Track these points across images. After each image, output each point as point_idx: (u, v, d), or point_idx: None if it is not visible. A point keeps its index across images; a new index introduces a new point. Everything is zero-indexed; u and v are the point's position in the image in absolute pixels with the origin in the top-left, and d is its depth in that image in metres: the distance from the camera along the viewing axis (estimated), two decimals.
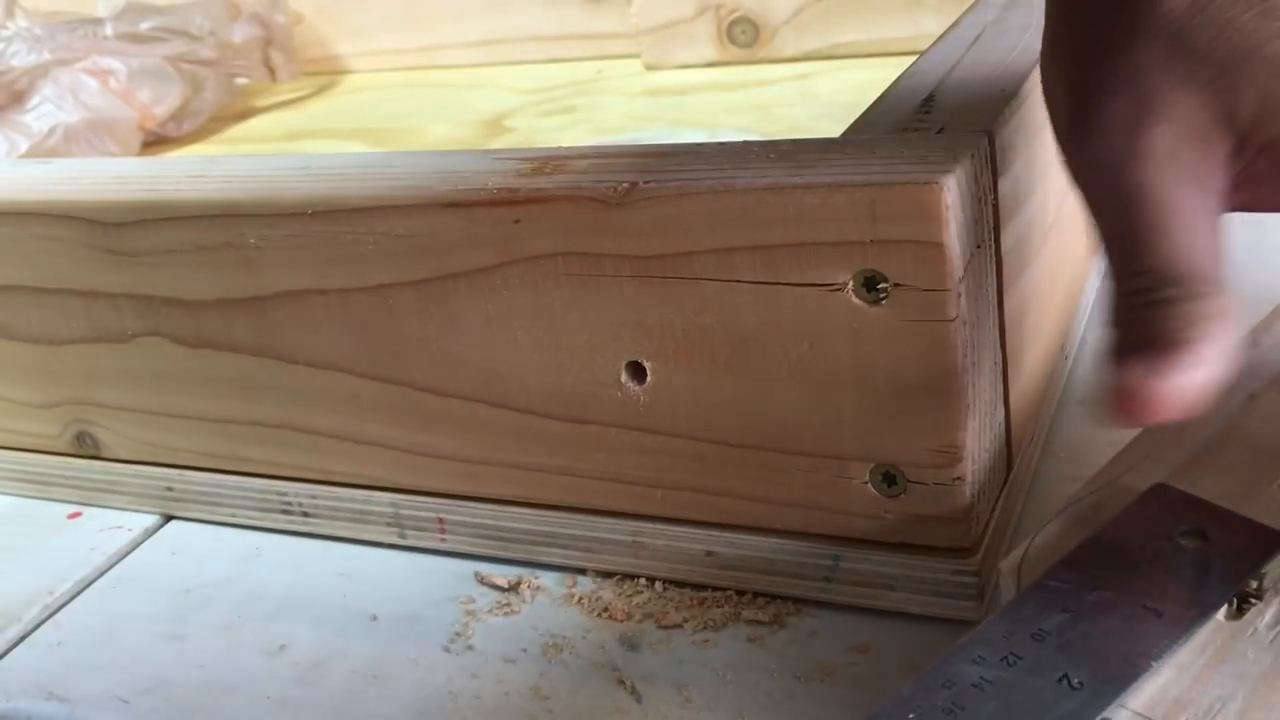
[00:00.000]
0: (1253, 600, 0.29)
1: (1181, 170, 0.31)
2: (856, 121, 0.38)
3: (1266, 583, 0.30)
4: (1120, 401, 0.29)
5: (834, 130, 0.39)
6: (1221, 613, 0.29)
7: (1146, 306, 0.30)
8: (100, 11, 1.02)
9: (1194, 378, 0.29)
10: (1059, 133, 0.34)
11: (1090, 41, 0.33)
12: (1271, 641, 0.28)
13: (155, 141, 0.96)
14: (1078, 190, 0.34)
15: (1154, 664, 0.27)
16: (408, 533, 0.43)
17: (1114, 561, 0.30)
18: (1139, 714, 0.27)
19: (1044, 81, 0.35)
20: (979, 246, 0.33)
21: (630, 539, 0.39)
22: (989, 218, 0.34)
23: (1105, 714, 0.26)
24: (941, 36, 0.49)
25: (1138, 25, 0.32)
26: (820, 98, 0.83)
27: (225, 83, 1.00)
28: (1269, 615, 0.29)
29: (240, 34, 0.99)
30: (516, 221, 0.36)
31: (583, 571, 0.41)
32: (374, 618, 0.40)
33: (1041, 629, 0.28)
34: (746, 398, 0.35)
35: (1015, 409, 0.38)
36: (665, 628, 0.38)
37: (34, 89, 0.88)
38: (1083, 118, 0.32)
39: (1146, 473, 0.34)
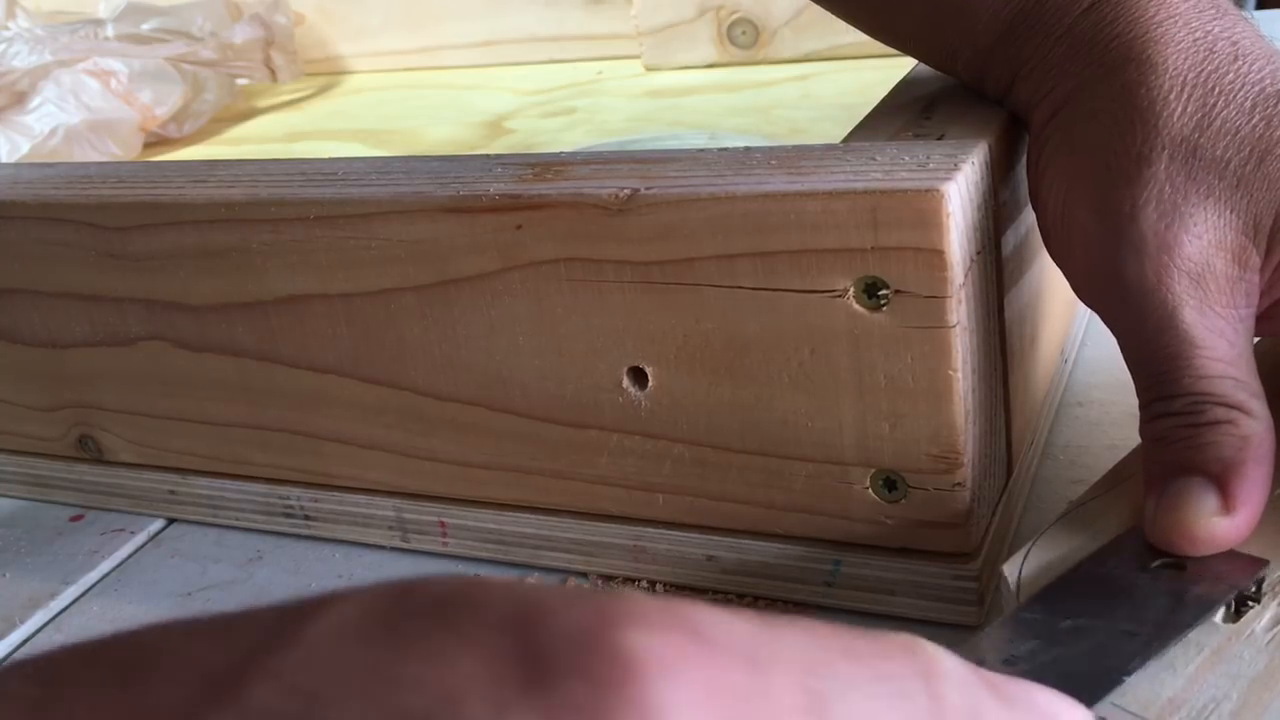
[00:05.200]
0: (1250, 603, 0.29)
1: (1216, 284, 0.32)
2: (857, 127, 0.38)
3: (1264, 586, 0.30)
4: (1184, 538, 0.30)
5: (835, 132, 0.39)
6: (1219, 615, 0.29)
7: (1194, 429, 0.31)
8: (101, 12, 1.02)
9: (1251, 514, 0.30)
10: (1077, 257, 0.34)
11: (1105, 166, 0.33)
12: (1268, 644, 0.28)
13: (156, 142, 0.96)
14: (1104, 313, 0.34)
15: (1126, 678, 0.27)
16: (410, 536, 0.43)
17: (1088, 593, 0.30)
18: (1132, 714, 0.27)
19: (1048, 207, 0.35)
20: (979, 253, 0.33)
21: (631, 543, 0.39)
22: (989, 224, 0.34)
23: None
24: None
25: (1151, 144, 0.32)
26: (820, 99, 0.83)
27: (226, 84, 1.00)
28: (1266, 618, 0.29)
29: (241, 35, 0.99)
30: (518, 227, 0.36)
31: (584, 575, 0.41)
32: None
33: (1013, 654, 0.27)
34: (747, 403, 0.35)
35: (1015, 413, 0.38)
36: None
37: (35, 90, 0.88)
38: (1112, 241, 0.32)
39: None
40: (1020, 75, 0.36)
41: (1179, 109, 0.32)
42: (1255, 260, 0.32)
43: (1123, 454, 0.36)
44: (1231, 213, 0.32)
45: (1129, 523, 0.32)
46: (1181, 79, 0.33)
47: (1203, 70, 0.33)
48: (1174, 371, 0.31)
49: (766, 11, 0.92)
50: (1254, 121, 0.32)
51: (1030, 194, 0.37)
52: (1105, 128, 0.33)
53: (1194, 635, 0.29)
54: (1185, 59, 0.33)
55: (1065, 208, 0.34)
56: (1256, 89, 0.32)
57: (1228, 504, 0.30)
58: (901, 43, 0.41)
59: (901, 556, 0.36)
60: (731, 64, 0.94)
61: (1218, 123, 0.32)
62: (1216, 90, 0.32)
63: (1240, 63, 0.33)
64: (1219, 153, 0.32)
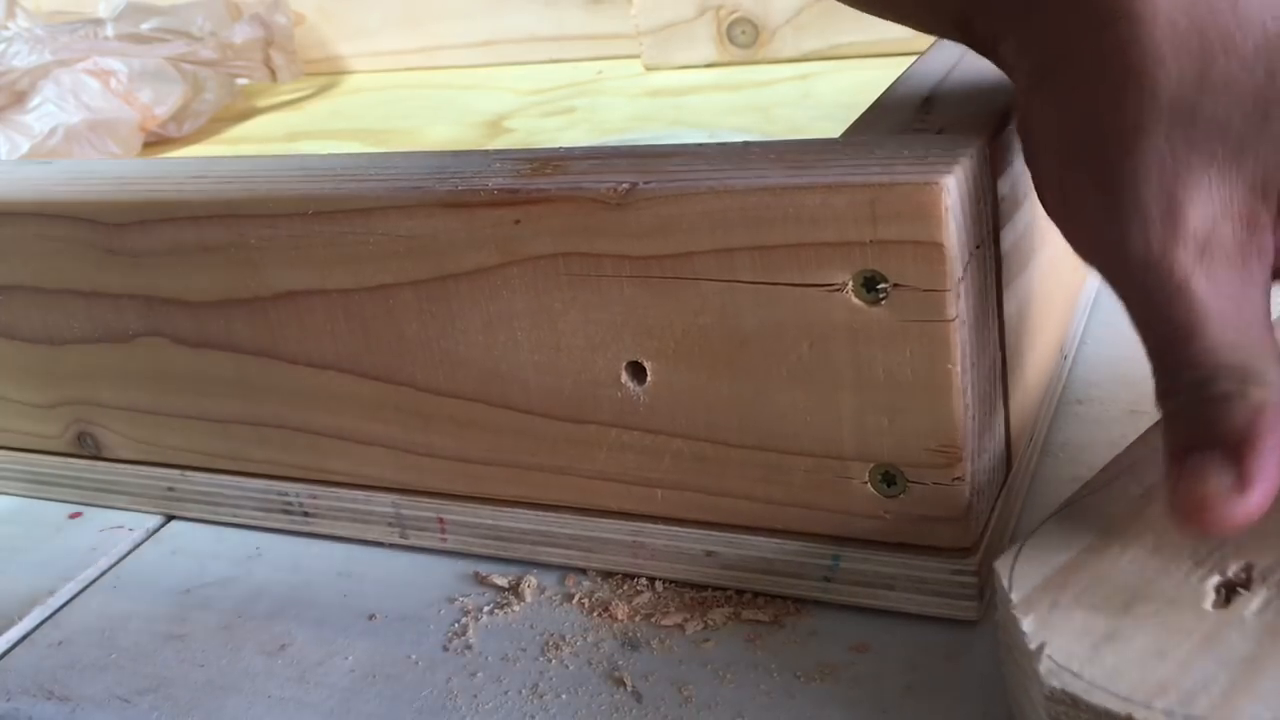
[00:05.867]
0: (1240, 590, 0.29)
1: (1224, 251, 0.30)
2: (856, 122, 0.38)
3: (1255, 573, 0.30)
4: (1200, 517, 0.29)
5: (834, 131, 0.39)
6: (1208, 601, 0.29)
7: (1205, 403, 0.30)
8: (101, 12, 1.03)
9: (1268, 488, 0.28)
10: (1083, 229, 0.33)
11: (1101, 135, 0.31)
12: (1257, 628, 0.28)
13: (156, 142, 0.96)
14: (1110, 283, 0.32)
15: None
16: (408, 533, 0.43)
17: None
18: (1122, 697, 0.27)
19: (1041, 173, 0.34)
20: (978, 247, 0.33)
21: (630, 539, 0.39)
22: (988, 218, 0.34)
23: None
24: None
25: (1148, 110, 0.31)
26: (820, 98, 0.83)
27: (226, 83, 1.00)
28: (1255, 604, 0.29)
29: (241, 35, 1.00)
30: (517, 222, 0.36)
31: (583, 571, 0.41)
32: (373, 617, 0.40)
33: None
34: (746, 398, 0.35)
35: (1014, 409, 0.38)
36: (664, 627, 0.38)
37: (35, 89, 0.88)
38: (1114, 213, 0.31)
39: (1144, 474, 0.34)
40: (1001, 33, 0.35)
41: (1175, 67, 0.30)
42: (1265, 220, 0.30)
43: None
44: (1237, 177, 0.30)
45: (1124, 518, 0.32)
46: (1174, 27, 0.30)
47: (1197, 12, 0.30)
48: (1182, 343, 0.30)
49: (766, 11, 0.92)
50: (1256, 75, 0.30)
51: (1025, 156, 0.35)
52: (1098, 93, 0.31)
53: (1184, 622, 0.29)
54: (1177, 3, 0.30)
55: (1061, 176, 0.33)
56: (1259, 30, 0.30)
57: (1242, 479, 0.29)
58: (884, 8, 0.40)
59: (900, 551, 0.36)
60: (731, 63, 0.95)
61: (1218, 77, 0.30)
62: (1213, 36, 0.30)
63: None
64: (1220, 112, 0.30)
